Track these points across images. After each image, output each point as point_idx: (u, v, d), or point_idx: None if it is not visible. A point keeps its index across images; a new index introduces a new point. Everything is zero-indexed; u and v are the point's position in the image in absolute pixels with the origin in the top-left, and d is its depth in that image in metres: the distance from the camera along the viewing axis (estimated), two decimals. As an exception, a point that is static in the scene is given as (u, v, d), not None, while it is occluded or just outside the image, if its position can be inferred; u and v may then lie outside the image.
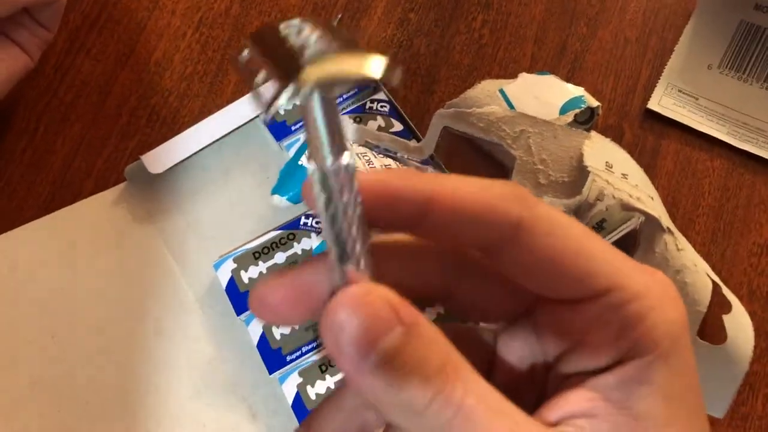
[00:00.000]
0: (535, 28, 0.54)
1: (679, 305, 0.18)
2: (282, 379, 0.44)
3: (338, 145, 0.17)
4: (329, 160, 0.17)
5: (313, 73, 0.16)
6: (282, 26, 0.17)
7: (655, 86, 0.51)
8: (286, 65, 0.16)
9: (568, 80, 0.51)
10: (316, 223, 0.47)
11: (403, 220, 0.19)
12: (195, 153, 0.50)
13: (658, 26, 0.53)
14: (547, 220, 0.18)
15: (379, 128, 0.50)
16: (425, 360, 0.17)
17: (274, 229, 0.47)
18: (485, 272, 0.21)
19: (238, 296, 0.46)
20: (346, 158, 0.17)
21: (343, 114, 0.50)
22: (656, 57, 0.52)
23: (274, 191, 0.48)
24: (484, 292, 0.21)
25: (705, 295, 0.39)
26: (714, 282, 0.40)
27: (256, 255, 0.47)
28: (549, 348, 0.20)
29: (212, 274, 0.47)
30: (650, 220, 0.39)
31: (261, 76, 0.17)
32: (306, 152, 0.18)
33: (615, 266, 0.18)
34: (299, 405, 0.43)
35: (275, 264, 0.47)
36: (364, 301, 0.17)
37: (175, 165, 0.50)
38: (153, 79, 0.54)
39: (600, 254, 0.18)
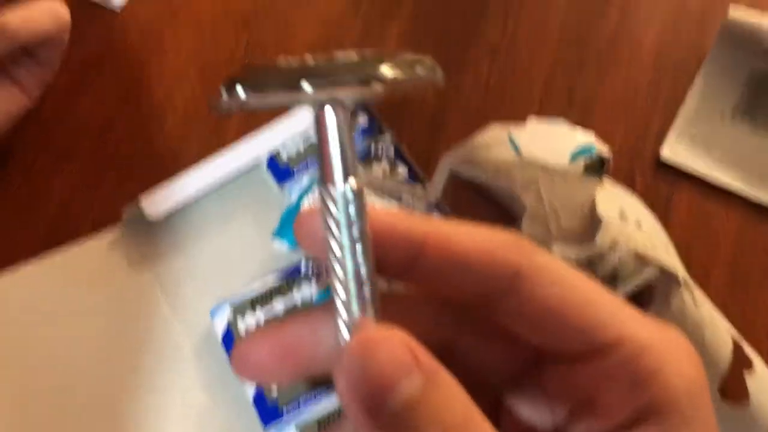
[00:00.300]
0: (545, 73, 0.53)
1: (695, 360, 0.17)
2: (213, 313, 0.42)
3: (351, 168, 0.17)
4: (340, 182, 0.16)
5: (386, 71, 0.15)
6: (284, 59, 0.16)
7: (667, 134, 0.50)
8: (324, 71, 0.15)
9: (577, 125, 0.50)
10: (316, 268, 0.46)
11: (394, 264, 0.18)
12: (195, 197, 0.49)
13: (670, 73, 0.52)
14: (548, 269, 0.18)
15: (384, 172, 0.49)
16: (446, 414, 0.15)
17: (274, 272, 0.46)
18: (485, 326, 0.20)
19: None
20: (356, 182, 0.17)
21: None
22: (667, 104, 0.51)
23: (276, 235, 0.46)
24: (484, 347, 0.20)
25: (725, 353, 0.37)
26: (734, 339, 0.38)
27: (254, 303, 0.45)
28: (558, 407, 0.19)
29: (209, 322, 0.46)
30: (666, 273, 0.37)
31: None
32: (316, 175, 0.16)
33: (622, 318, 0.17)
34: (295, 463, 0.41)
35: (274, 313, 0.45)
36: (382, 343, 0.16)
37: (175, 209, 0.49)
38: (154, 121, 0.53)
39: (606, 305, 0.17)
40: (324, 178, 0.17)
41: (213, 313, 0.45)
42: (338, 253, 0.17)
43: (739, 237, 0.47)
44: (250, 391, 0.43)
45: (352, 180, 0.17)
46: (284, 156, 0.50)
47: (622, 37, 0.54)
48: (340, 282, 0.17)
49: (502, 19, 0.55)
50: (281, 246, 0.45)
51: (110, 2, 0.57)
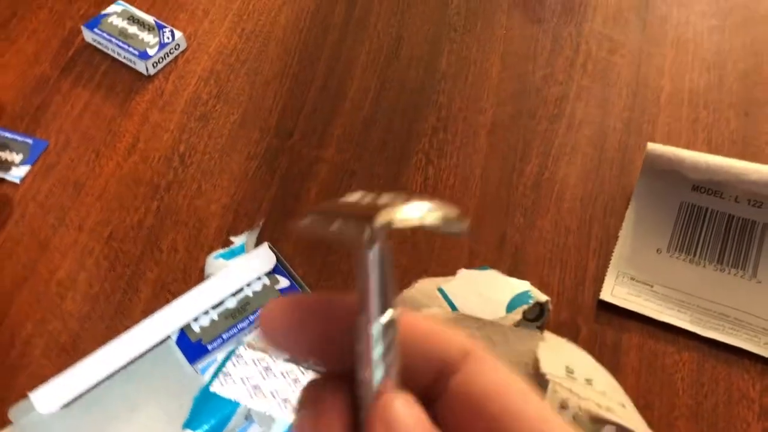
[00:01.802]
0: (471, 222, 0.51)
1: None
2: None
3: (389, 300, 0.17)
4: (377, 314, 0.17)
5: (410, 209, 0.16)
6: (343, 198, 0.18)
7: (605, 275, 0.47)
8: (371, 208, 0.16)
9: (510, 274, 0.47)
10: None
11: (337, 353, 0.18)
12: (95, 386, 0.43)
13: (598, 213, 0.51)
14: (491, 358, 0.18)
15: (309, 341, 0.44)
16: None
17: (186, 473, 0.39)
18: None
19: None
20: (391, 313, 0.17)
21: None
22: (601, 245, 0.49)
23: (186, 425, 0.40)
24: None
25: None
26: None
27: (163, 508, 0.38)
28: None
29: None
30: (626, 433, 0.33)
31: (336, 224, 0.17)
32: (357, 304, 0.17)
33: (558, 421, 0.17)
34: None
35: None
36: None
37: (71, 401, 0.43)
38: (53, 302, 0.48)
39: (537, 399, 0.18)
40: (363, 310, 0.17)
41: None
42: (367, 381, 0.17)
43: (698, 379, 0.44)
44: None
45: (389, 312, 0.17)
46: (196, 329, 0.45)
47: (546, 181, 0.52)
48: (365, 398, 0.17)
49: (422, 166, 0.53)
50: (192, 438, 0.40)
51: (9, 173, 0.53)
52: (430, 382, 0.18)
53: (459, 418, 0.18)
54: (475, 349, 0.18)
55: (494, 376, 0.18)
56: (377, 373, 0.17)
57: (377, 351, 0.17)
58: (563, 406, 0.37)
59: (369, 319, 0.17)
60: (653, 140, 0.54)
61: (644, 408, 0.43)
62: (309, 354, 0.18)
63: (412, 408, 0.17)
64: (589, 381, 0.34)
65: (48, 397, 0.42)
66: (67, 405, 0.43)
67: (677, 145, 0.54)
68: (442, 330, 0.18)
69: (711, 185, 0.48)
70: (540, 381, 0.34)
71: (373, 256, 0.17)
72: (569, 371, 0.34)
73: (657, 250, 0.48)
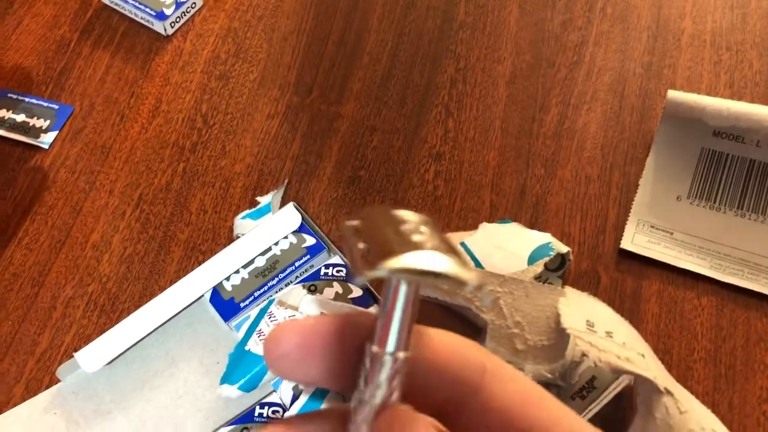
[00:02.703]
0: (491, 174, 0.51)
1: None
2: None
3: (406, 341, 0.17)
4: (391, 350, 0.17)
5: (421, 259, 0.16)
6: (394, 211, 0.18)
7: (626, 224, 0.48)
8: (395, 243, 0.16)
9: (531, 226, 0.48)
10: (273, 413, 0.42)
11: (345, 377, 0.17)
12: (135, 344, 0.45)
13: (619, 161, 0.51)
14: (507, 367, 0.18)
15: (337, 295, 0.46)
16: None
17: (226, 425, 0.42)
18: None
19: None
20: (404, 355, 0.17)
21: (297, 282, 0.46)
22: (622, 193, 0.50)
23: (223, 381, 0.42)
24: None
25: (721, 464, 0.34)
26: (728, 446, 0.35)
27: (207, 458, 0.41)
28: None
29: (158, 485, 0.41)
30: (645, 383, 0.34)
31: (362, 245, 0.17)
32: (375, 334, 0.17)
33: (571, 414, 0.18)
34: None
35: (229, 466, 0.41)
36: None
37: (114, 359, 0.45)
38: (90, 264, 0.50)
39: (556, 401, 0.18)
40: (378, 341, 0.17)
41: (162, 475, 0.41)
42: (366, 412, 0.17)
43: (717, 323, 0.45)
44: None
45: (402, 354, 0.17)
46: (228, 288, 0.46)
47: (566, 130, 0.53)
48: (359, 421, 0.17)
49: (442, 119, 0.54)
50: (231, 392, 0.42)
51: (38, 140, 0.54)
52: (446, 401, 0.18)
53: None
54: (492, 363, 0.18)
55: (514, 389, 0.18)
56: (378, 399, 0.17)
57: (383, 379, 0.17)
58: (584, 354, 0.39)
59: (383, 350, 0.17)
60: (674, 85, 0.54)
61: (663, 353, 0.44)
62: (317, 381, 0.18)
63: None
64: (609, 334, 0.35)
65: (92, 356, 0.45)
66: (110, 362, 0.45)
67: (698, 89, 0.53)
68: (458, 347, 0.18)
69: (733, 131, 0.48)
70: (562, 334, 0.35)
71: (404, 289, 0.17)
72: (590, 325, 0.35)
73: (677, 198, 0.49)
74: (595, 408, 0.38)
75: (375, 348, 0.17)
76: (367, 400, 0.17)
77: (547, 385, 0.39)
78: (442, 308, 0.46)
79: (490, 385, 0.18)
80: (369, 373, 0.17)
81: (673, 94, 0.49)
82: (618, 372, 0.34)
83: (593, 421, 0.39)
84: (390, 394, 0.17)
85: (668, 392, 0.35)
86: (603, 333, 0.35)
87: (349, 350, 0.17)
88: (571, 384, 0.40)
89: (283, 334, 0.17)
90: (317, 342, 0.17)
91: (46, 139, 0.55)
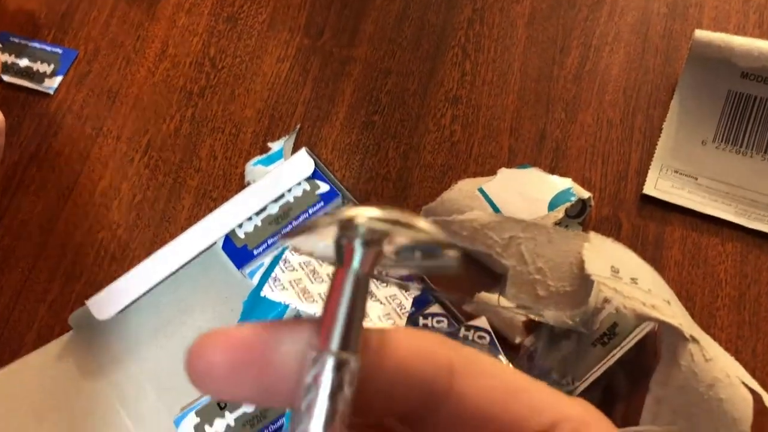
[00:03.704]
0: (510, 118, 0.50)
1: (616, 430, 0.17)
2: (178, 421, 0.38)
3: (354, 341, 0.15)
4: (336, 350, 0.14)
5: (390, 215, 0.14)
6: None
7: (649, 169, 0.47)
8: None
9: (552, 171, 0.47)
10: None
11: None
12: (147, 291, 0.44)
13: (642, 104, 0.49)
14: (477, 361, 0.17)
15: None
16: None
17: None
18: None
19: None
20: (356, 359, 0.15)
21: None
22: (645, 137, 0.48)
23: (238, 328, 0.42)
24: None
25: (746, 412, 0.33)
26: (754, 393, 0.34)
27: (222, 405, 0.40)
28: None
29: (174, 431, 0.41)
30: (670, 330, 0.33)
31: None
32: (317, 332, 0.15)
33: (552, 399, 0.17)
34: None
35: (244, 413, 0.40)
36: None
37: (126, 307, 0.44)
38: (99, 212, 0.49)
39: (534, 389, 0.17)
40: (320, 341, 0.15)
41: (177, 422, 0.40)
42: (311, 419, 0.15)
43: (741, 270, 0.44)
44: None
45: (349, 355, 0.15)
46: (241, 235, 0.46)
47: (587, 73, 0.51)
48: None
49: (459, 62, 0.52)
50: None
51: (42, 85, 0.53)
52: (415, 408, 0.16)
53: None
54: (461, 358, 0.16)
55: (488, 385, 0.16)
56: (322, 418, 0.14)
57: (326, 391, 0.14)
58: (606, 300, 0.38)
59: (327, 353, 0.15)
60: (700, 24, 0.51)
61: (686, 300, 0.43)
62: (252, 399, 0.16)
63: None
64: (634, 280, 0.34)
65: (104, 304, 0.44)
66: (122, 310, 0.44)
67: (726, 30, 0.51)
68: (422, 348, 0.16)
69: (762, 72, 0.46)
70: (585, 281, 0.34)
71: (351, 277, 0.15)
72: (614, 271, 0.34)
73: (702, 142, 0.47)
74: (617, 354, 0.37)
75: (314, 353, 0.15)
76: (309, 419, 0.15)
77: (569, 331, 0.38)
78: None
79: (460, 385, 0.16)
80: (310, 384, 0.15)
81: (700, 34, 0.47)
82: (643, 319, 0.33)
83: (614, 367, 0.39)
84: (335, 410, 0.15)
85: (694, 339, 0.34)
86: (628, 279, 0.34)
87: (288, 362, 0.15)
88: (593, 330, 0.39)
89: (209, 347, 0.15)
90: (248, 356, 0.15)
91: (51, 85, 0.53)
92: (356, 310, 0.15)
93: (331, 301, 0.15)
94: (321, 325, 0.15)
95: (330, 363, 0.14)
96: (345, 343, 0.15)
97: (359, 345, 0.15)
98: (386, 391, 0.16)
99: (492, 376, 0.16)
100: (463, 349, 0.16)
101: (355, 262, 0.15)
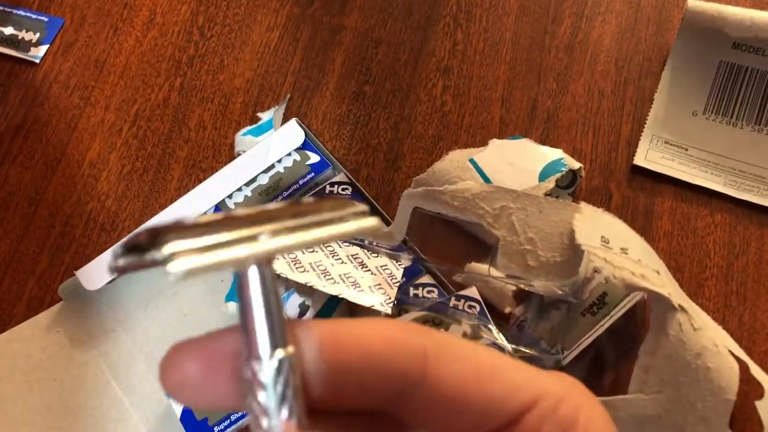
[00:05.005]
0: (501, 89, 0.49)
1: (597, 401, 0.18)
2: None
3: (279, 337, 0.14)
4: (267, 357, 0.14)
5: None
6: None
7: (639, 140, 0.47)
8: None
9: (543, 142, 0.47)
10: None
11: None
12: (137, 262, 0.44)
13: (633, 75, 0.49)
14: (450, 345, 0.17)
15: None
16: None
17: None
18: None
19: (196, 425, 0.39)
20: (284, 352, 0.14)
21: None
22: (636, 108, 0.48)
23: (228, 298, 0.42)
24: None
25: (732, 381, 0.34)
26: (741, 362, 0.35)
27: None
28: None
29: (165, 402, 0.41)
30: (659, 299, 0.34)
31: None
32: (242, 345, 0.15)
33: (530, 375, 0.17)
34: None
35: (236, 383, 0.40)
36: None
37: (116, 278, 0.44)
38: (88, 182, 0.48)
39: (511, 367, 0.17)
40: (249, 353, 0.15)
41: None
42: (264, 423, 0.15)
43: (729, 240, 0.44)
44: (217, 476, 0.38)
45: (279, 352, 0.14)
46: (231, 206, 0.45)
47: (579, 43, 0.50)
48: None
49: (450, 31, 0.51)
50: (235, 309, 0.41)
51: (28, 54, 0.52)
52: (390, 397, 0.16)
53: (439, 418, 0.17)
54: (434, 343, 0.16)
55: (462, 368, 0.16)
56: (276, 417, 0.14)
57: (271, 399, 0.14)
58: (596, 270, 0.38)
59: (257, 362, 0.15)
60: (693, -5, 0.51)
61: (675, 270, 0.43)
62: (229, 405, 0.16)
63: None
64: (624, 250, 0.34)
65: (93, 275, 0.44)
66: (112, 281, 0.44)
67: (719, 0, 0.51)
68: (392, 336, 0.16)
69: (754, 43, 0.46)
70: (576, 251, 0.34)
71: (254, 276, 0.14)
72: (605, 241, 0.34)
73: (693, 113, 0.47)
74: (606, 324, 0.38)
75: (249, 363, 0.15)
76: (265, 418, 0.15)
77: (558, 301, 0.39)
78: (448, 227, 0.45)
79: (434, 370, 0.16)
80: (254, 393, 0.15)
81: (693, 3, 0.47)
82: (633, 289, 0.33)
83: (603, 336, 0.39)
84: (288, 409, 0.15)
85: (682, 309, 0.34)
86: (618, 249, 0.34)
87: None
88: (582, 300, 0.39)
89: (181, 357, 0.15)
90: (222, 365, 0.15)
91: (37, 53, 0.52)
92: (274, 306, 0.15)
93: (244, 304, 0.15)
94: (243, 330, 0.15)
95: (264, 365, 0.14)
96: (275, 342, 0.15)
97: (286, 337, 0.15)
98: (359, 383, 0.16)
99: (466, 359, 0.16)
100: (436, 335, 0.17)
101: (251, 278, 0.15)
